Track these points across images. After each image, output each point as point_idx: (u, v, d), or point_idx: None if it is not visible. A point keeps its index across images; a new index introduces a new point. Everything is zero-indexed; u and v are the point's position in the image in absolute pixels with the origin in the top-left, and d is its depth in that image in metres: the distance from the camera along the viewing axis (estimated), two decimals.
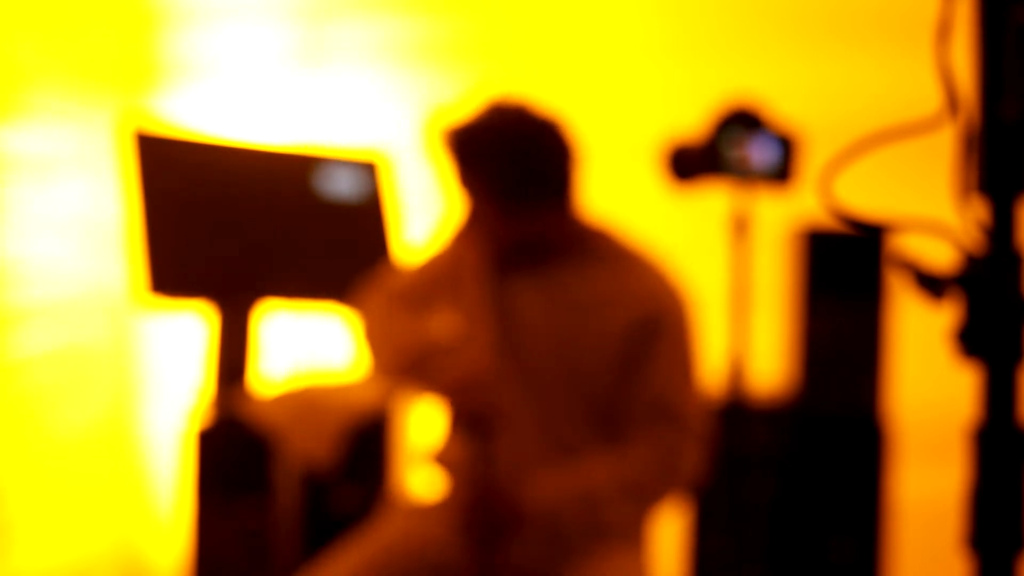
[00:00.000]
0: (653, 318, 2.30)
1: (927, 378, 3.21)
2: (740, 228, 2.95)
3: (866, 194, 1.36)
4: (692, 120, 2.92)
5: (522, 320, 2.34)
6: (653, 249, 2.40)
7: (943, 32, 1.18)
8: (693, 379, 2.34)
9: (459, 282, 2.33)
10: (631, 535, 2.37)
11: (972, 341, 1.19)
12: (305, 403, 3.23)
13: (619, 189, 2.52)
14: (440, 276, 2.40)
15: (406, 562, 2.35)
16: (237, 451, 3.26)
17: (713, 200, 2.98)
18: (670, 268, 2.38)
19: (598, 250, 2.38)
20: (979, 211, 1.19)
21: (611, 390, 2.30)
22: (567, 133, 2.33)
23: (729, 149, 2.87)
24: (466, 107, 2.33)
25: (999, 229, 1.19)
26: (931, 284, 1.20)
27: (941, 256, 1.20)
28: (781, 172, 2.93)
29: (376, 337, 2.44)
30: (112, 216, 3.73)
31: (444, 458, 2.44)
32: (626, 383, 2.30)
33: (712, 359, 3.19)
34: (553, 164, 2.32)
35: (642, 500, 2.30)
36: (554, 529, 2.27)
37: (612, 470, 2.27)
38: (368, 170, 3.61)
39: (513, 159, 2.29)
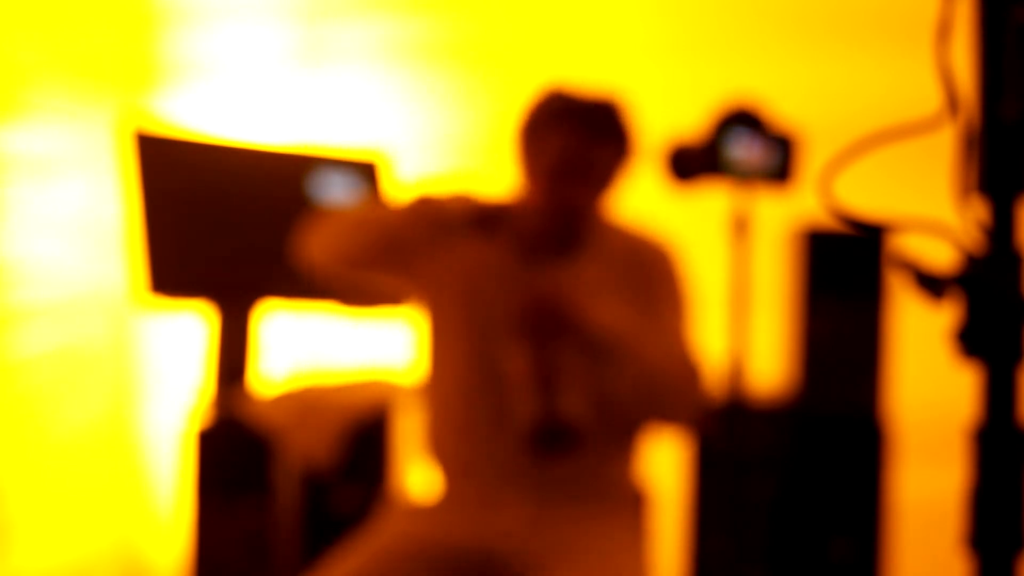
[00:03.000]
0: (648, 264, 2.41)
1: (927, 378, 3.21)
2: (740, 228, 2.95)
3: (866, 194, 1.36)
4: (692, 120, 2.92)
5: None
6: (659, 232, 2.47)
7: (943, 32, 1.18)
8: (691, 327, 2.43)
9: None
10: (628, 532, 2.37)
11: (972, 341, 1.19)
12: (305, 403, 3.23)
13: (619, 188, 2.52)
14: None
15: (406, 562, 2.35)
16: (237, 451, 3.26)
17: (713, 200, 2.98)
18: (670, 241, 2.45)
19: (609, 239, 2.45)
20: (979, 211, 1.19)
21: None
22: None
23: (729, 149, 2.87)
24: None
25: (999, 229, 1.19)
26: (931, 284, 1.20)
27: (941, 256, 1.20)
28: (781, 172, 2.93)
29: None
30: (112, 216, 3.72)
31: (440, 453, 2.44)
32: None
33: (712, 359, 3.20)
34: (630, 156, 2.43)
35: (665, 378, 2.33)
36: (597, 342, 2.30)
37: (658, 339, 2.36)
38: (368, 170, 3.61)
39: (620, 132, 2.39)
